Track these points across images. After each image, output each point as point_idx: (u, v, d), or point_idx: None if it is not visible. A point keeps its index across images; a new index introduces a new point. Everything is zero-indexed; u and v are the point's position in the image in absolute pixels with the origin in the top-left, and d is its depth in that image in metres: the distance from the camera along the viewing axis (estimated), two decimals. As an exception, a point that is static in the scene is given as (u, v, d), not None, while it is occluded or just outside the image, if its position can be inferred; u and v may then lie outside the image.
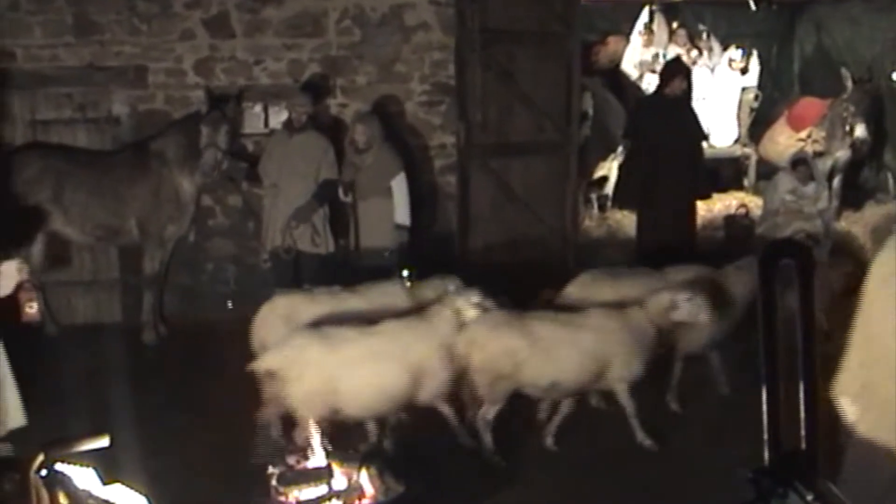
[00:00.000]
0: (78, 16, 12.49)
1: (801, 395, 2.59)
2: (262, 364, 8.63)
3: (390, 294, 9.78)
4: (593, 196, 16.52)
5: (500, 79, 12.62)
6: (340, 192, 11.58)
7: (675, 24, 19.27)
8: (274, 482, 7.57)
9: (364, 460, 7.78)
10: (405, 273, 10.32)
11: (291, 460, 7.77)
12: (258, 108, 12.62)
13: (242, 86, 12.48)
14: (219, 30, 12.59)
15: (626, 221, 15.66)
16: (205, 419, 9.58)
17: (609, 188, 16.72)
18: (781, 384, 2.61)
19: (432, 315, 8.96)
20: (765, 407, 2.61)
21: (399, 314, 9.24)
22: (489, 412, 8.86)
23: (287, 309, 9.58)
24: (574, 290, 9.99)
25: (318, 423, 7.96)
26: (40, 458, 4.77)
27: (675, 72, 13.28)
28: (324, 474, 7.58)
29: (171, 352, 11.79)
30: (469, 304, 8.91)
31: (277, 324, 9.43)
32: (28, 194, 11.60)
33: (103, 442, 4.93)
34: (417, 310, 9.29)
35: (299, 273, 11.78)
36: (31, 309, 7.97)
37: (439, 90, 12.75)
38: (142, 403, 9.53)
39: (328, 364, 8.49)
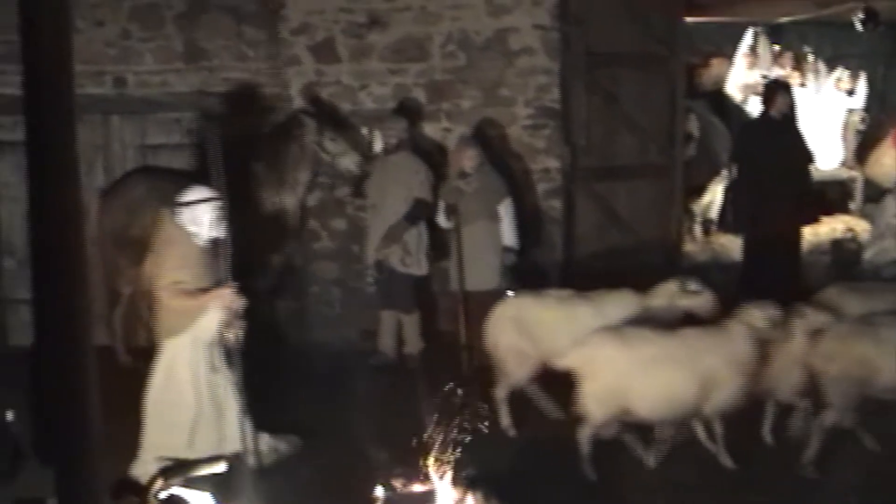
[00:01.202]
0: (188, 42, 12.70)
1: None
2: (562, 362, 8.91)
3: (620, 300, 9.89)
4: (695, 209, 16.44)
5: (605, 102, 12.62)
6: (443, 216, 11.63)
7: (778, 47, 19.16)
8: (380, 505, 7.58)
9: (471, 484, 7.77)
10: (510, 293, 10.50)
11: (398, 483, 7.77)
12: (364, 131, 12.71)
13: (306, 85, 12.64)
14: (325, 55, 12.72)
15: (731, 245, 15.55)
16: (312, 441, 9.59)
17: (714, 211, 16.63)
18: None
19: (727, 326, 8.99)
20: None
21: (628, 320, 9.44)
22: (846, 420, 8.94)
23: (518, 311, 9.85)
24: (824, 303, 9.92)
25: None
26: (159, 481, 4.85)
27: (776, 89, 13.13)
28: (430, 498, 7.58)
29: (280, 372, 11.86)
30: (764, 317, 8.92)
31: (508, 325, 9.75)
32: (135, 216, 11.75)
33: (220, 467, 5.00)
34: (647, 316, 9.52)
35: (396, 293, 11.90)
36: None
37: (543, 114, 12.74)
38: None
39: (622, 363, 8.69)
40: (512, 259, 11.57)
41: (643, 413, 8.78)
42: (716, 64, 18.21)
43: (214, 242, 8.59)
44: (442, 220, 11.68)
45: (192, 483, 5.08)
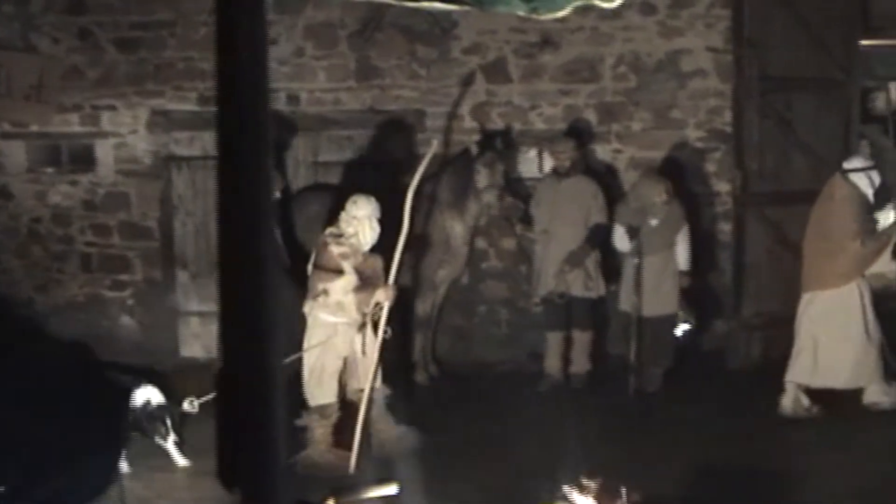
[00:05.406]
0: (360, 61, 12.83)
1: None
2: None
3: None
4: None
5: (778, 126, 12.38)
6: (620, 239, 11.57)
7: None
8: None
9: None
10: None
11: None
12: (532, 152, 12.74)
13: (511, 124, 12.64)
14: (496, 75, 12.76)
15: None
16: (476, 460, 9.60)
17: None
18: None
19: None
20: None
21: None
22: None
23: None
24: None
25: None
26: (331, 501, 4.86)
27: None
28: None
29: (443, 392, 11.89)
30: None
31: None
32: (309, 233, 11.87)
33: (391, 489, 5.00)
34: None
35: (570, 317, 11.85)
36: None
37: (715, 137, 12.64)
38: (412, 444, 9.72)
39: None
40: (686, 282, 11.57)
41: None
42: (892, 88, 17.86)
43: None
44: (620, 244, 11.61)
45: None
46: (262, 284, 2.76)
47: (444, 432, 10.27)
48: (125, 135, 13.17)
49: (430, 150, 10.10)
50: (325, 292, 9.60)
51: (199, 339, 12.95)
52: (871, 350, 10.63)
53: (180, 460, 9.58)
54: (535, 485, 8.02)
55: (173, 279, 13.23)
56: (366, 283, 9.57)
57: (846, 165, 10.94)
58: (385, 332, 9.58)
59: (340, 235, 9.66)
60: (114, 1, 13.00)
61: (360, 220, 9.64)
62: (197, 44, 12.80)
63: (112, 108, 13.16)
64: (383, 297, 9.53)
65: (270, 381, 2.81)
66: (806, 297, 10.82)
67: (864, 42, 13.23)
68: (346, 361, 9.69)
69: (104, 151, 13.22)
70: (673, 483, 8.82)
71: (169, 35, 12.98)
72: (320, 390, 9.66)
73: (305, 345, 9.70)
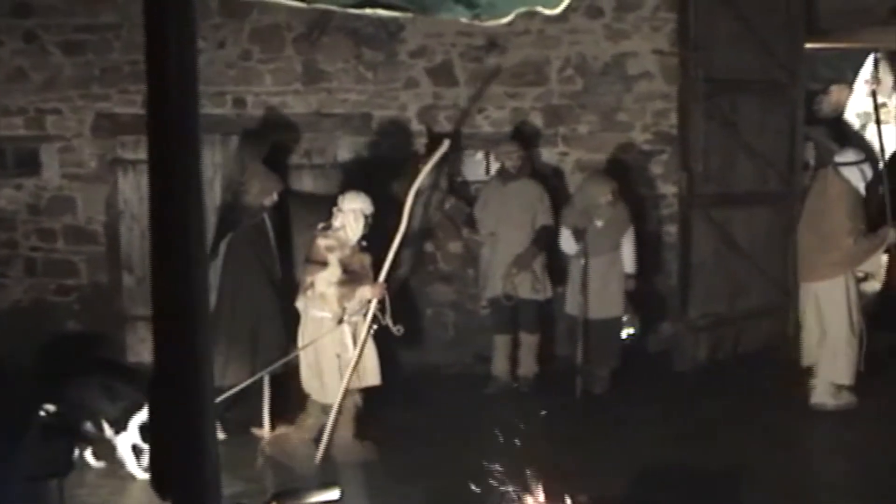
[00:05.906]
0: (307, 64, 12.80)
1: None
2: None
3: None
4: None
5: (723, 128, 12.45)
6: (566, 242, 11.60)
7: (903, 73, 18.82)
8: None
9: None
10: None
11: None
12: (479, 155, 12.74)
13: (458, 127, 12.66)
14: (442, 78, 12.75)
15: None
16: (422, 463, 9.58)
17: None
18: None
19: None
20: None
21: None
22: None
23: None
24: None
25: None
26: (271, 506, 4.84)
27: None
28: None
29: (390, 395, 11.85)
30: None
31: None
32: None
33: (334, 494, 4.99)
34: None
35: (517, 319, 11.85)
36: None
37: (661, 139, 12.69)
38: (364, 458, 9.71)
39: None
40: (630, 285, 11.60)
41: None
42: (835, 91, 17.97)
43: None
44: (566, 246, 11.65)
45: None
46: (194, 290, 2.75)
47: (391, 434, 10.25)
48: (70, 138, 13.07)
49: (440, 149, 10.01)
50: (312, 284, 9.67)
51: (146, 345, 12.82)
52: (853, 345, 10.68)
53: (137, 471, 9.48)
54: (482, 487, 8.05)
55: (119, 284, 13.14)
56: (352, 277, 9.62)
57: (838, 159, 10.93)
58: (397, 329, 9.76)
59: (329, 228, 9.73)
60: (59, 3, 12.90)
61: (346, 214, 9.72)
62: (143, 47, 12.71)
63: (57, 111, 13.06)
64: (370, 294, 9.58)
65: (203, 389, 2.79)
66: (803, 288, 11.03)
67: (809, 45, 13.33)
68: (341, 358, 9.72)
69: (49, 155, 13.12)
70: (620, 484, 8.83)
71: (114, 38, 12.89)
72: (323, 390, 9.77)
73: (299, 340, 9.85)
